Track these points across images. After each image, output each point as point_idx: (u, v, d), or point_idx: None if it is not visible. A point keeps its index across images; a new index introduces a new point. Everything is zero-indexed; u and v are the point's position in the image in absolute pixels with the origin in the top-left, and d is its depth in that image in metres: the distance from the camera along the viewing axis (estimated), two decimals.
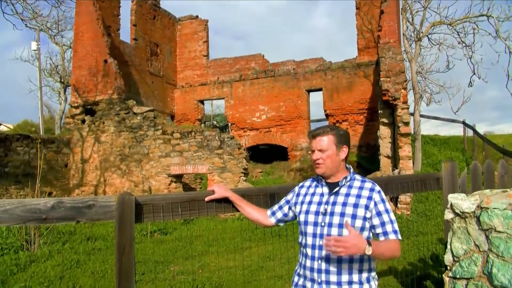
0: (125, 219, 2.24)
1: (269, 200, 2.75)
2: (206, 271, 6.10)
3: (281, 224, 2.57)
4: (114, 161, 14.00)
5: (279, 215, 2.52)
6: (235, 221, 10.68)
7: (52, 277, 5.69)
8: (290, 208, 2.48)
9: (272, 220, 2.54)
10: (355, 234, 1.98)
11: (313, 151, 2.32)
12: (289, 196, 2.52)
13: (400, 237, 2.20)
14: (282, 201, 2.55)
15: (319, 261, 2.18)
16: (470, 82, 14.73)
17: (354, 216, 2.16)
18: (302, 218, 2.31)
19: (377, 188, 2.27)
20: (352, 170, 2.37)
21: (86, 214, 2.22)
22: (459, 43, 14.09)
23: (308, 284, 2.23)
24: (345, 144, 2.31)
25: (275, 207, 2.57)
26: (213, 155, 12.52)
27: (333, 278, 2.14)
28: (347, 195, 2.23)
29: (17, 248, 7.13)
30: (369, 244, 1.99)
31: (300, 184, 2.52)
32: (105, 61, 14.42)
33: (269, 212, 2.57)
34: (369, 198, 2.21)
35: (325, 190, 2.31)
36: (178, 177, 13.53)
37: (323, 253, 2.16)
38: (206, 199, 2.55)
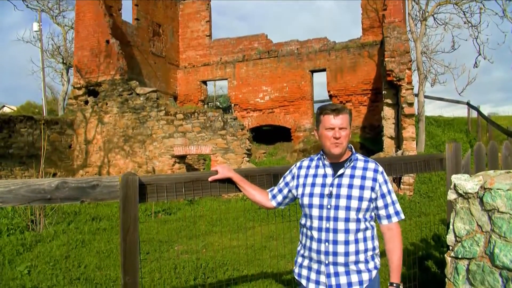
0: (129, 198, 2.25)
1: (273, 180, 2.75)
2: (210, 251, 6.17)
3: (282, 207, 2.56)
4: (117, 142, 14.03)
5: (280, 198, 2.50)
6: (239, 201, 10.76)
7: (58, 256, 5.77)
8: (290, 190, 2.45)
9: (273, 203, 2.52)
10: None
11: (331, 129, 2.22)
12: (288, 178, 2.47)
13: (402, 217, 2.27)
14: (282, 184, 2.51)
15: (326, 243, 2.18)
16: (476, 62, 14.60)
17: (360, 199, 2.17)
18: (306, 201, 2.28)
19: (380, 168, 2.28)
20: (353, 149, 2.34)
21: (90, 194, 2.23)
22: (465, 23, 13.90)
23: (315, 265, 2.24)
24: (351, 123, 2.32)
25: (275, 190, 2.54)
26: (216, 136, 12.54)
27: (341, 259, 2.16)
28: (352, 176, 2.22)
29: (22, 229, 7.22)
30: (398, 285, 2.25)
31: (298, 164, 2.47)
32: (107, 41, 14.32)
33: (269, 195, 2.54)
34: (374, 179, 2.22)
35: (329, 171, 2.27)
36: (181, 158, 13.58)
37: (331, 235, 2.18)
38: (210, 179, 2.53)
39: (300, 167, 2.44)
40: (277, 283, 4.48)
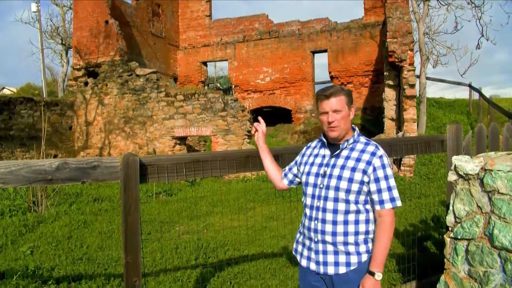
0: (130, 179, 2.25)
1: None
2: (210, 231, 6.22)
3: (294, 186, 2.56)
4: (118, 123, 14.02)
5: (290, 176, 2.53)
6: (239, 183, 10.80)
7: (60, 237, 5.81)
8: (298, 169, 2.48)
9: (285, 182, 2.55)
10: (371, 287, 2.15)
11: (325, 113, 2.22)
12: (298, 157, 2.52)
13: (398, 204, 2.19)
14: (292, 163, 2.56)
15: (316, 221, 2.22)
16: (478, 44, 14.45)
17: (351, 180, 2.15)
18: (303, 179, 2.34)
19: (380, 152, 2.21)
20: (357, 131, 2.32)
21: (91, 174, 2.23)
22: (468, 3, 13.72)
23: (307, 242, 2.30)
24: (352, 104, 2.28)
25: (286, 169, 2.57)
26: (217, 118, 12.52)
27: (328, 238, 2.18)
28: (347, 158, 2.21)
29: (24, 210, 7.26)
30: (373, 273, 2.15)
31: (308, 144, 2.52)
32: (106, 22, 14.17)
33: (282, 173, 2.58)
34: (368, 163, 2.16)
35: (327, 152, 2.30)
36: (182, 139, 13.59)
37: (320, 214, 2.20)
38: (253, 130, 2.60)
39: (308, 147, 2.49)
40: (277, 263, 4.53)
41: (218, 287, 3.93)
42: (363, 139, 2.30)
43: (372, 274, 2.15)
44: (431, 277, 3.53)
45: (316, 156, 2.36)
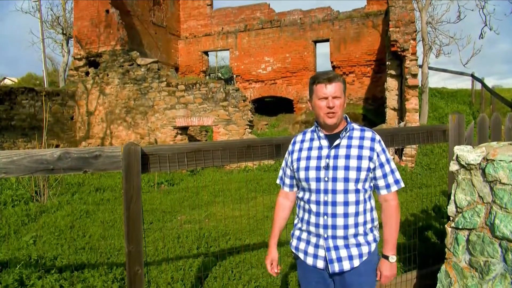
0: (131, 168, 2.24)
1: (274, 151, 2.74)
2: (212, 221, 6.24)
3: (296, 189, 2.39)
4: (119, 113, 14.01)
5: (288, 181, 2.38)
6: (241, 173, 10.81)
7: (63, 226, 5.85)
8: (291, 169, 2.34)
9: (286, 190, 2.41)
10: (388, 270, 2.23)
11: (324, 98, 2.14)
12: (287, 156, 2.39)
13: (402, 185, 2.23)
14: (283, 166, 2.42)
15: (325, 216, 2.14)
16: (481, 33, 14.37)
17: (359, 169, 2.11)
18: (302, 175, 2.21)
19: (377, 137, 2.21)
20: (348, 119, 2.28)
21: (93, 164, 2.23)
22: None
23: (313, 239, 2.21)
24: (345, 93, 2.24)
25: (279, 177, 2.45)
26: (218, 108, 12.50)
27: (340, 232, 2.12)
28: (349, 146, 2.16)
29: (27, 200, 7.29)
30: (387, 257, 2.21)
31: (292, 141, 2.39)
32: (107, 11, 14.10)
33: (281, 184, 2.45)
34: (372, 149, 2.15)
35: (324, 143, 2.20)
36: (183, 129, 13.59)
37: (329, 208, 2.13)
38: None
39: (294, 143, 2.36)
40: (278, 252, 4.54)
41: (219, 276, 3.96)
42: (356, 126, 2.27)
43: (386, 257, 2.20)
44: (432, 266, 3.55)
45: (310, 149, 2.25)
